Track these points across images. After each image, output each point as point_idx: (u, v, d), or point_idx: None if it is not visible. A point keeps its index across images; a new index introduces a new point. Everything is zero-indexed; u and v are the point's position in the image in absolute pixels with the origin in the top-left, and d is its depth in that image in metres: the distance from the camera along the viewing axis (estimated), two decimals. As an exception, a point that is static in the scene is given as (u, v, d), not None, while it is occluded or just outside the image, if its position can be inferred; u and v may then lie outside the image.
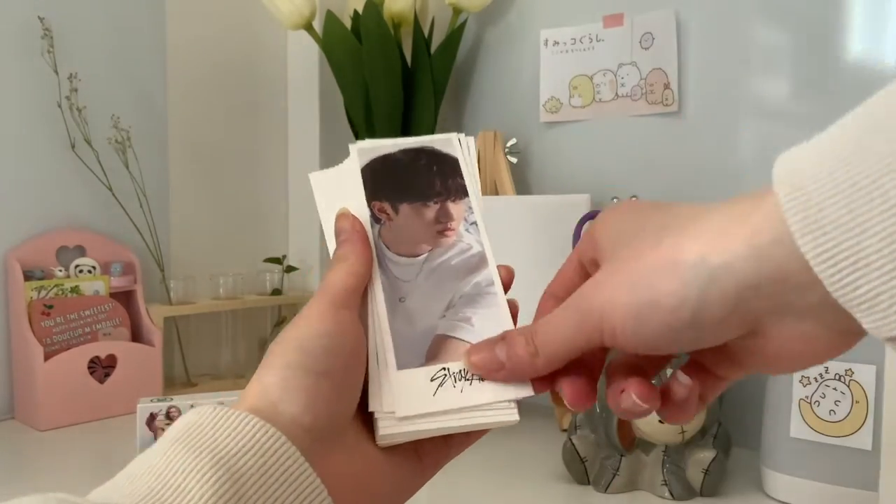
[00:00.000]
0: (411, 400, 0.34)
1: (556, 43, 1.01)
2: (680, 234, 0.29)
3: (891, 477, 0.52)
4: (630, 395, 0.32)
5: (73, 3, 0.98)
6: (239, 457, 0.28)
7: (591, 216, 0.89)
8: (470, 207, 0.40)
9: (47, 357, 0.89)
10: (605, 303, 0.30)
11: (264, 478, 0.28)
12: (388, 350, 0.35)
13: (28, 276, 0.92)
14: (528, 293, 0.90)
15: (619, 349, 0.32)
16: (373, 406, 0.34)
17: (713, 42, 0.90)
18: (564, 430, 0.88)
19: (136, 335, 0.99)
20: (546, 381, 0.34)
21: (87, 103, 0.97)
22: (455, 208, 0.40)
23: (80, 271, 0.97)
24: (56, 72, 0.95)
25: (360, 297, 0.36)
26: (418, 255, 0.38)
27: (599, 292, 0.31)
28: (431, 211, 0.39)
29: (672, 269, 0.28)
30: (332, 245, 0.38)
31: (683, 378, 0.33)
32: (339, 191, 0.39)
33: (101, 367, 0.94)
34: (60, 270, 0.95)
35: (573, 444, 0.72)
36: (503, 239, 1.00)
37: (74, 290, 0.94)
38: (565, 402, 0.34)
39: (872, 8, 0.79)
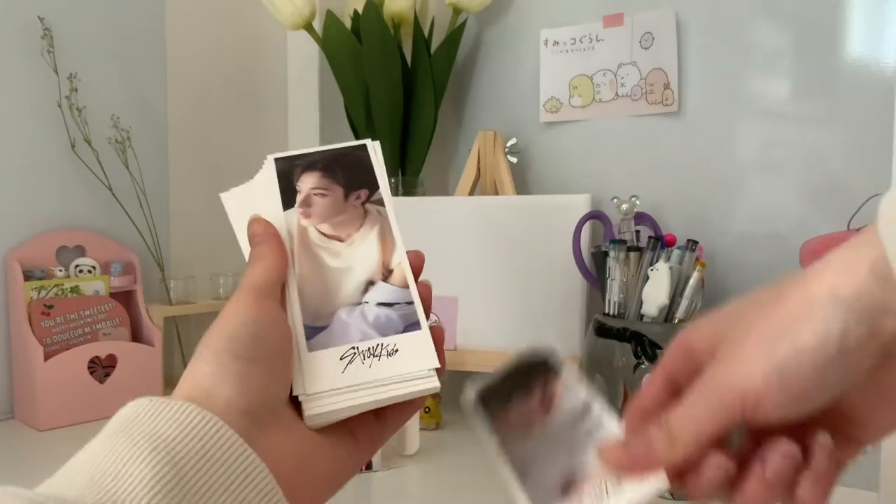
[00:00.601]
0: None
1: (556, 43, 1.01)
2: (800, 285, 0.30)
3: (891, 477, 0.52)
4: (774, 457, 0.31)
5: (73, 3, 0.98)
6: (177, 442, 0.29)
7: (591, 216, 0.89)
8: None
9: (47, 357, 0.89)
10: (743, 374, 0.30)
11: (204, 460, 0.29)
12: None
13: (28, 276, 0.92)
14: (529, 293, 0.90)
15: (762, 419, 0.30)
16: (296, 390, 0.35)
17: (713, 42, 0.90)
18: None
19: (136, 335, 0.99)
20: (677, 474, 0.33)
21: (87, 103, 0.97)
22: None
23: (80, 271, 0.97)
24: (56, 72, 0.95)
25: (279, 289, 0.37)
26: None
27: (732, 368, 0.31)
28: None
29: (806, 311, 0.29)
30: (246, 251, 0.40)
31: (824, 438, 0.31)
32: (251, 203, 0.42)
33: (101, 367, 0.94)
34: (60, 270, 0.95)
35: (573, 444, 0.72)
36: (503, 239, 1.00)
37: (74, 290, 0.94)
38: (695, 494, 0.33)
39: (872, 8, 0.79)
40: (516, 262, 0.93)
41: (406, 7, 1.04)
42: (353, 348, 0.37)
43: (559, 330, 0.89)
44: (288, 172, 0.43)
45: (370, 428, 0.37)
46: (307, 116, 1.18)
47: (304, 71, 1.18)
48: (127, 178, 1.01)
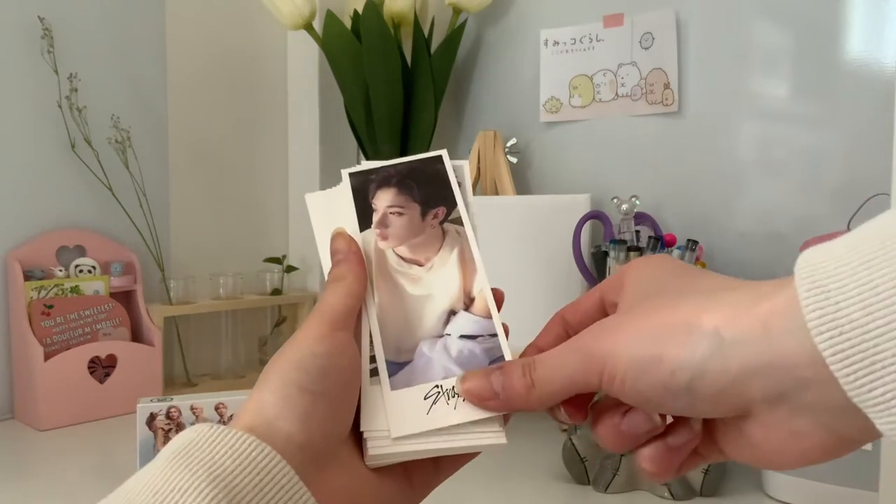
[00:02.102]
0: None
1: (556, 43, 1.01)
2: (699, 304, 0.29)
3: (891, 477, 0.52)
4: (637, 417, 0.32)
5: (73, 3, 0.98)
6: (235, 474, 0.29)
7: (591, 216, 0.89)
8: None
9: (47, 357, 0.89)
10: (612, 350, 0.30)
11: (259, 495, 0.29)
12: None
13: (28, 276, 0.92)
14: (529, 292, 0.90)
15: (616, 397, 0.31)
16: (364, 426, 0.34)
17: (713, 42, 0.90)
18: (564, 430, 0.88)
19: (136, 335, 0.99)
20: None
21: (87, 103, 0.97)
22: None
23: (80, 271, 0.97)
24: (56, 72, 0.95)
25: (355, 318, 0.36)
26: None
27: (608, 339, 0.31)
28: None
29: (684, 332, 0.29)
30: (326, 265, 0.38)
31: (695, 424, 0.32)
32: (333, 212, 0.40)
33: (101, 367, 0.94)
34: (60, 270, 0.95)
35: (573, 444, 0.72)
36: (503, 239, 1.00)
37: (74, 290, 0.94)
38: (563, 419, 0.34)
39: (872, 8, 0.79)
40: (516, 262, 0.93)
41: (406, 7, 1.04)
42: (437, 387, 0.35)
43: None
44: (363, 189, 0.39)
45: (426, 471, 0.36)
46: (307, 116, 1.18)
47: (304, 71, 1.18)
48: (127, 178, 1.01)
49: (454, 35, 1.07)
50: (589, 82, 0.99)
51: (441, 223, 0.39)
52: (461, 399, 0.35)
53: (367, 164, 0.40)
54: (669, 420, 0.32)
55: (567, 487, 0.72)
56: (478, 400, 0.34)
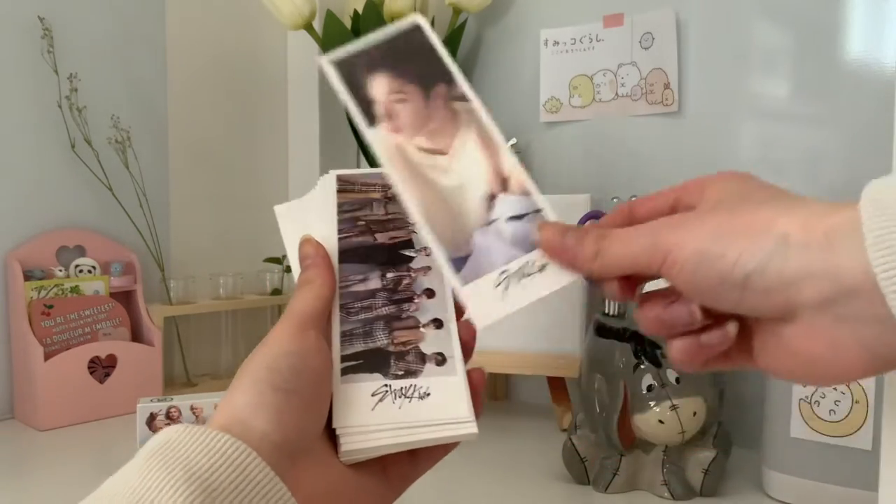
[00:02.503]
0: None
1: (556, 43, 1.01)
2: (776, 211, 0.31)
3: (891, 477, 0.52)
4: (679, 308, 0.33)
5: (73, 3, 0.98)
6: (211, 472, 0.29)
7: (591, 216, 0.89)
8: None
9: (47, 357, 0.89)
10: (681, 239, 0.32)
11: (236, 492, 0.29)
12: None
13: (28, 276, 0.92)
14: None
15: (672, 284, 0.33)
16: (336, 423, 0.35)
17: (713, 42, 0.90)
18: (564, 430, 0.88)
19: (136, 335, 0.99)
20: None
21: (87, 103, 0.97)
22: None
23: (80, 271, 0.97)
24: (56, 72, 0.95)
25: (325, 319, 0.37)
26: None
27: (681, 229, 0.32)
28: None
29: (755, 232, 0.30)
30: (297, 270, 0.39)
31: (731, 326, 0.33)
32: (305, 219, 0.41)
33: (101, 367, 0.94)
34: (60, 270, 0.95)
35: (573, 444, 0.72)
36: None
37: (74, 290, 0.94)
38: (612, 293, 0.35)
39: (872, 8, 0.79)
40: (516, 262, 0.93)
41: (406, 7, 1.04)
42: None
43: (559, 330, 0.89)
44: (353, 78, 0.37)
45: (402, 466, 0.37)
46: (307, 116, 1.18)
47: (304, 71, 1.18)
48: (127, 178, 1.01)
49: (454, 35, 1.07)
50: (589, 82, 0.99)
51: (446, 103, 0.38)
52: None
53: (342, 50, 0.37)
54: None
55: (567, 487, 0.72)
56: (549, 249, 0.36)
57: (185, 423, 0.31)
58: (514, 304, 0.35)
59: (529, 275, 0.35)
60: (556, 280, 0.35)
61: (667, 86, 0.92)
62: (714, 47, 0.89)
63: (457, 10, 1.06)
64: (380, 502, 0.36)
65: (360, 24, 1.01)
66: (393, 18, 1.04)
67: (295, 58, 1.20)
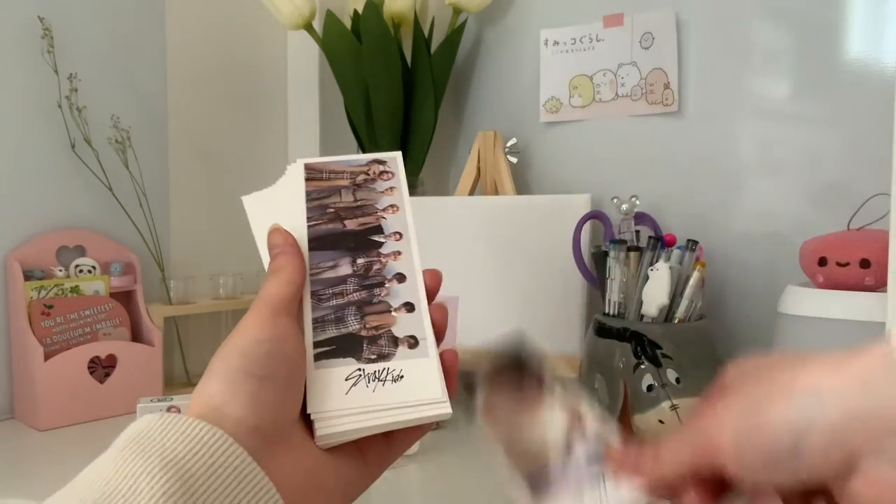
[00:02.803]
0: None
1: (556, 43, 1.01)
2: (794, 372, 0.30)
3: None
4: None
5: (73, 3, 0.98)
6: (187, 458, 0.29)
7: (591, 216, 0.89)
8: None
9: (47, 357, 0.89)
10: (718, 426, 0.31)
11: (213, 477, 0.29)
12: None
13: (28, 276, 0.92)
14: (529, 293, 0.90)
15: (731, 476, 0.32)
16: (311, 408, 0.35)
17: (713, 42, 0.90)
18: (564, 430, 0.88)
19: (136, 335, 0.99)
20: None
21: (87, 103, 0.97)
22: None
23: (80, 271, 0.97)
24: (56, 72, 0.95)
25: (297, 305, 0.37)
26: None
27: (714, 417, 0.32)
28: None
29: (784, 395, 0.29)
30: (266, 259, 0.39)
31: None
32: (273, 209, 0.41)
33: (101, 367, 0.94)
34: (60, 270, 0.95)
35: (573, 444, 0.72)
36: (503, 239, 1.00)
37: (74, 290, 0.94)
38: None
39: (872, 8, 0.79)
40: (516, 262, 0.93)
41: (406, 7, 1.04)
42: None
43: (559, 330, 0.89)
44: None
45: (379, 448, 0.37)
46: (307, 116, 1.18)
47: (304, 71, 1.18)
48: (127, 178, 1.01)
49: (454, 35, 1.07)
50: (589, 82, 0.99)
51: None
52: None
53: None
54: None
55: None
56: (616, 465, 0.36)
57: (161, 412, 0.31)
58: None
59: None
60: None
61: (667, 86, 0.92)
62: (714, 47, 0.89)
63: (457, 10, 1.06)
64: (359, 483, 0.37)
65: (360, 24, 1.01)
66: (393, 18, 1.04)
67: (295, 58, 1.20)
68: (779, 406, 0.29)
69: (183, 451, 0.29)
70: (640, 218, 0.86)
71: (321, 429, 0.35)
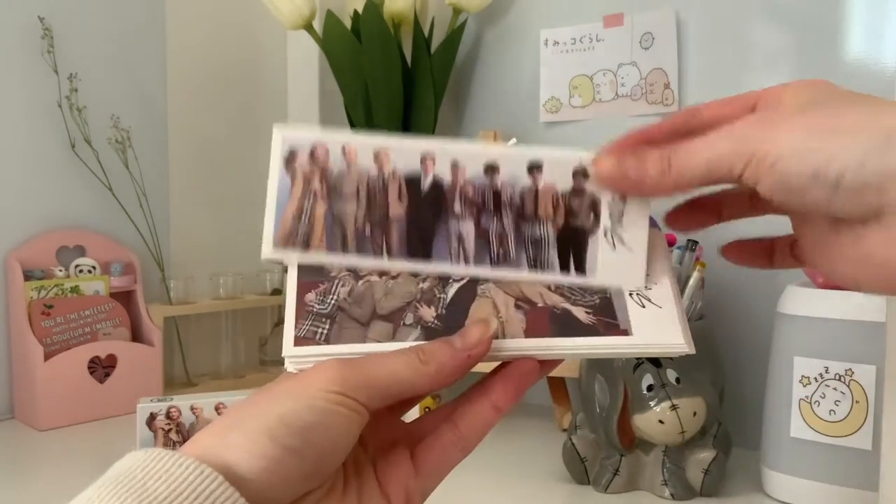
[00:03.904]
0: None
1: (556, 43, 1.01)
2: (872, 109, 0.29)
3: (891, 477, 0.52)
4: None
5: (73, 3, 0.98)
6: (169, 501, 0.26)
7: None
8: None
9: (47, 357, 0.89)
10: (772, 136, 0.30)
11: None
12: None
13: (28, 276, 0.92)
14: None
15: (754, 188, 0.31)
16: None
17: (713, 42, 0.90)
18: (564, 430, 0.88)
19: (136, 335, 0.99)
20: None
21: (87, 103, 0.97)
22: None
23: (80, 271, 0.97)
24: (56, 72, 0.95)
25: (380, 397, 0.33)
26: None
27: (770, 126, 0.30)
28: None
29: (854, 129, 0.28)
30: None
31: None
32: None
33: (101, 367, 0.94)
34: (60, 270, 0.95)
35: (573, 444, 0.72)
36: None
37: (74, 290, 0.94)
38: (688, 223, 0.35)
39: (872, 8, 0.79)
40: (516, 262, 0.93)
41: (406, 7, 1.04)
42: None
43: (559, 330, 0.89)
44: None
45: (405, 480, 0.34)
46: (307, 116, 1.18)
47: (304, 71, 1.18)
48: (127, 178, 1.01)
49: (454, 35, 1.07)
50: (589, 82, 0.99)
51: None
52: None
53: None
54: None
55: (567, 487, 0.72)
56: (610, 181, 0.34)
57: (150, 448, 0.28)
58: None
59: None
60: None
61: (667, 86, 0.92)
62: (714, 47, 0.89)
63: (457, 10, 1.06)
64: None
65: (360, 24, 1.01)
66: (393, 18, 1.04)
67: (295, 58, 1.20)
68: (844, 137, 0.28)
69: (166, 492, 0.26)
70: (640, 218, 0.86)
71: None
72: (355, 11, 1.04)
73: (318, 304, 0.35)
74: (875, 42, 0.79)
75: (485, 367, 0.35)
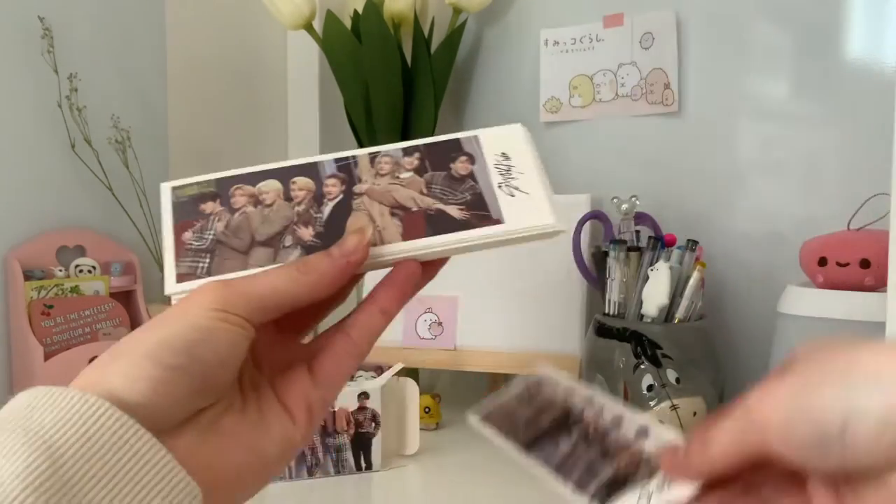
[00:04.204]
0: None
1: (556, 43, 1.01)
2: (857, 353, 0.29)
3: (891, 477, 0.52)
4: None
5: (73, 3, 0.98)
6: (56, 429, 0.26)
7: (591, 216, 0.89)
8: None
9: (47, 357, 0.89)
10: (769, 403, 0.30)
11: (87, 446, 0.26)
12: None
13: (28, 276, 0.92)
14: (529, 293, 0.90)
15: (778, 460, 0.31)
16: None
17: (713, 42, 0.90)
18: (564, 430, 0.88)
19: (136, 335, 0.99)
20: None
21: (87, 103, 0.97)
22: None
23: (80, 271, 0.97)
24: (56, 72, 0.95)
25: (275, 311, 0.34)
26: None
27: (766, 396, 0.31)
28: None
29: (842, 375, 0.28)
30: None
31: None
32: None
33: (101, 367, 0.94)
34: (60, 270, 0.95)
35: (573, 444, 0.72)
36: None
37: (74, 289, 0.94)
38: None
39: (872, 8, 0.79)
40: (516, 261, 0.93)
41: (406, 7, 1.04)
42: None
43: (559, 330, 0.89)
44: None
45: (304, 391, 0.34)
46: (307, 116, 1.18)
47: (304, 71, 1.18)
48: (127, 178, 1.01)
49: (454, 35, 1.07)
50: (589, 82, 0.99)
51: None
52: None
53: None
54: None
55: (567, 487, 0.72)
56: (669, 470, 0.35)
57: (37, 387, 0.28)
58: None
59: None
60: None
61: (667, 86, 0.92)
62: (714, 47, 0.89)
63: (457, 10, 1.06)
64: (283, 447, 0.33)
65: (360, 24, 1.01)
66: (393, 18, 1.04)
67: (295, 58, 1.20)
68: (834, 385, 0.28)
69: (51, 422, 0.26)
70: (640, 218, 0.86)
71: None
72: (355, 11, 1.04)
73: (196, 241, 0.36)
74: (875, 42, 0.79)
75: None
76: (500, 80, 1.10)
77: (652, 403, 0.67)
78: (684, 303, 0.74)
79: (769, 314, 0.71)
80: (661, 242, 0.78)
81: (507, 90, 1.09)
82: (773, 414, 0.30)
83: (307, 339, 0.38)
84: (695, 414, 0.67)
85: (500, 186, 0.37)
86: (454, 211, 0.36)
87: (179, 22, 1.09)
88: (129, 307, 0.99)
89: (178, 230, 0.36)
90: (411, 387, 0.82)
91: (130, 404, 0.28)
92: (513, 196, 0.37)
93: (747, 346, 0.86)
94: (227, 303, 0.31)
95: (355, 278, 0.35)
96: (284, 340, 0.37)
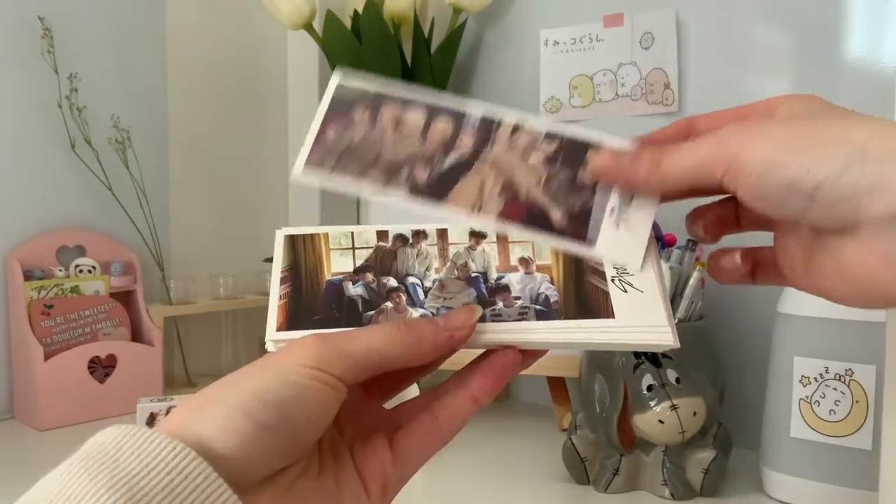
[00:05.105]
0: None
1: (556, 43, 1.01)
2: (852, 122, 0.30)
3: (891, 477, 0.52)
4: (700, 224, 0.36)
5: (73, 3, 0.98)
6: (141, 476, 0.26)
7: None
8: None
9: (47, 357, 0.89)
10: (751, 144, 0.30)
11: (170, 497, 0.25)
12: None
13: (28, 276, 0.92)
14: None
15: (732, 192, 0.32)
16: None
17: (713, 42, 0.90)
18: (564, 430, 0.88)
19: (136, 335, 0.99)
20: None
21: (87, 103, 0.97)
22: None
23: (80, 271, 0.97)
24: (56, 72, 0.95)
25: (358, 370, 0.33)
26: None
27: (751, 134, 0.31)
28: None
29: (829, 142, 0.29)
30: None
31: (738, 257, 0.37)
32: None
33: (101, 367, 0.94)
34: (60, 270, 0.95)
35: (573, 444, 0.72)
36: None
37: (74, 289, 0.94)
38: (699, 234, 0.37)
39: (872, 8, 0.79)
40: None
41: (406, 7, 1.04)
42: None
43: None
44: None
45: (382, 466, 0.33)
46: (307, 116, 1.18)
47: (304, 71, 1.18)
48: (127, 178, 1.01)
49: (454, 35, 1.07)
50: (589, 82, 0.99)
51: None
52: None
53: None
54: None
55: (567, 487, 0.73)
56: (603, 174, 0.35)
57: (121, 425, 0.28)
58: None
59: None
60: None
61: (667, 86, 0.92)
62: (714, 47, 0.89)
63: (457, 10, 1.06)
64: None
65: (360, 24, 1.01)
66: (393, 18, 1.04)
67: (295, 58, 1.20)
68: (819, 151, 0.29)
69: (138, 468, 0.26)
70: (640, 218, 0.86)
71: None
72: (355, 11, 1.04)
73: (333, 141, 0.38)
74: (875, 42, 0.79)
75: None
76: (500, 80, 1.10)
77: (652, 403, 0.67)
78: (684, 303, 0.74)
79: (769, 314, 0.71)
80: (661, 242, 0.78)
81: (507, 90, 1.09)
82: (751, 155, 0.30)
83: (391, 404, 0.37)
84: (695, 414, 0.67)
85: (611, 212, 0.36)
86: (556, 215, 0.36)
87: (179, 22, 1.09)
88: (129, 307, 0.99)
89: (326, 122, 0.39)
90: (411, 387, 0.82)
91: (217, 456, 0.27)
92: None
93: (747, 346, 0.86)
94: (322, 360, 0.30)
95: (453, 351, 0.34)
96: (369, 403, 0.36)
